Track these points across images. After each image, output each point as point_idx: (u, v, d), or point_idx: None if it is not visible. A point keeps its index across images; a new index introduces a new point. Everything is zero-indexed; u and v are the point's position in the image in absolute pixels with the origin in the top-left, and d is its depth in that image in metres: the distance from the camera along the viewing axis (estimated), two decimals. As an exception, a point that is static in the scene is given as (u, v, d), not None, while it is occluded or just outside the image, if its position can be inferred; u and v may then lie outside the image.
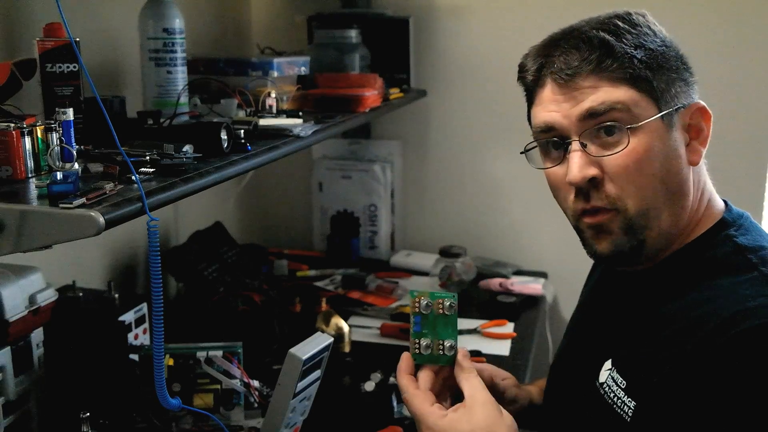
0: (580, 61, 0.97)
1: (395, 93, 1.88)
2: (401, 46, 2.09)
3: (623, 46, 0.96)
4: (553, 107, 0.99)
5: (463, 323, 1.82)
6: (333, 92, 1.64)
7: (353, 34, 1.97)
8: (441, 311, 1.03)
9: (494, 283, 2.02)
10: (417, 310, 1.03)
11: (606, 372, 1.01)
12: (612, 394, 0.98)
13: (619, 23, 0.98)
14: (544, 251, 2.20)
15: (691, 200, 1.01)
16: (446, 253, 2.06)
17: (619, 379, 0.97)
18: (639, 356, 0.97)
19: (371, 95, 1.65)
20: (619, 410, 0.95)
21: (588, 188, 0.98)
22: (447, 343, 1.03)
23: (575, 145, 0.98)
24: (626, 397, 0.95)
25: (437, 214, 2.30)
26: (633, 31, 0.98)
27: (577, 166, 0.97)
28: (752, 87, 1.96)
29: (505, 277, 2.10)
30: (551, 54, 1.00)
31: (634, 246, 0.99)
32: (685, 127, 1.00)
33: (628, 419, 0.94)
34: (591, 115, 0.96)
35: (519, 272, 2.18)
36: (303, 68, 1.71)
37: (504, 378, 1.26)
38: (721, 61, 1.92)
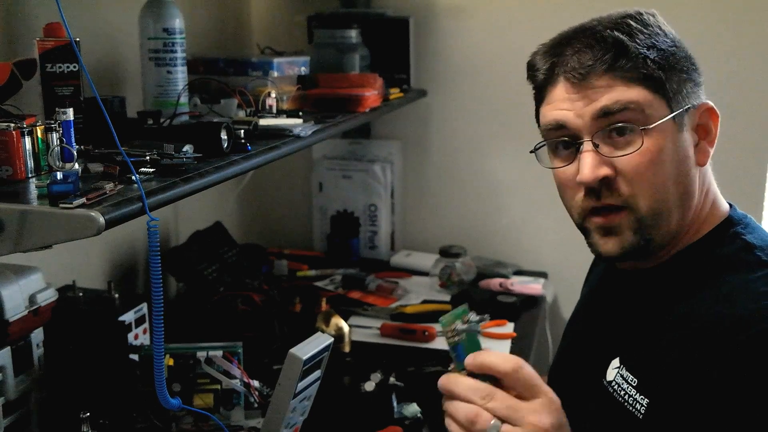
0: (594, 60, 0.96)
1: (395, 93, 1.88)
2: (401, 46, 2.09)
3: (637, 46, 0.96)
4: (566, 106, 0.98)
5: (463, 323, 1.82)
6: (333, 92, 1.63)
7: (353, 34, 1.97)
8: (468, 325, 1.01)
9: (494, 283, 2.02)
10: (456, 339, 0.99)
11: (614, 370, 1.01)
12: (622, 392, 0.97)
13: (632, 23, 0.98)
14: (544, 251, 2.20)
15: (696, 200, 1.01)
16: (446, 253, 2.06)
17: (630, 377, 0.97)
18: (650, 354, 0.96)
19: (371, 95, 1.65)
20: (630, 408, 0.95)
21: (599, 187, 0.97)
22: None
23: (587, 145, 0.97)
24: (638, 394, 0.95)
25: (437, 214, 2.30)
26: (645, 31, 0.97)
27: (589, 166, 0.96)
28: (752, 87, 1.95)
29: (505, 277, 2.10)
30: (563, 53, 0.99)
31: (641, 245, 0.98)
32: (694, 128, 1.00)
33: (641, 416, 0.94)
34: (605, 114, 0.96)
35: (519, 272, 2.17)
36: (303, 68, 1.71)
37: None
38: (720, 61, 1.92)
